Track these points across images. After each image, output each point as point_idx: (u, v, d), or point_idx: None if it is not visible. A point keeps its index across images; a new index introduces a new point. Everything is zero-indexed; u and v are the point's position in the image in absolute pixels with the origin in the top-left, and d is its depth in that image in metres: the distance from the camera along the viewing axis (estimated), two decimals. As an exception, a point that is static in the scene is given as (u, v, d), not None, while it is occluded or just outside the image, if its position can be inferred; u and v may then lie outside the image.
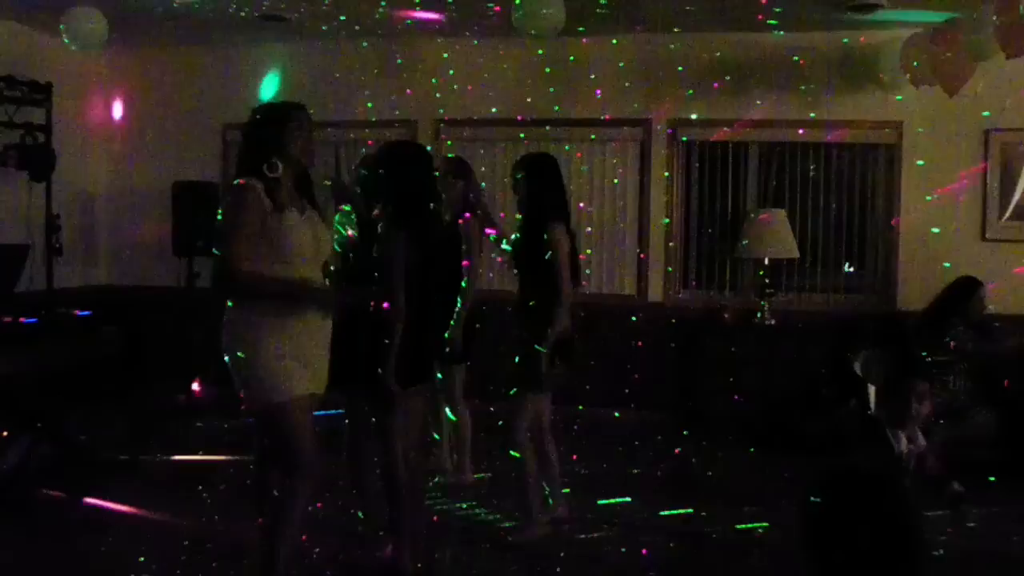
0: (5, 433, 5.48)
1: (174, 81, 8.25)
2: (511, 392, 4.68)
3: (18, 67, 6.88)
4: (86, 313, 5.83)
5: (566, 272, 4.62)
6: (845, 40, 7.12)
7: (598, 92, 7.55)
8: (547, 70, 7.58)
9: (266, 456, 3.89)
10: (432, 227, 4.19)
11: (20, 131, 6.81)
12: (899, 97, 7.02)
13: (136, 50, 8.17)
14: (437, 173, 4.67)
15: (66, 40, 6.32)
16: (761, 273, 7.15)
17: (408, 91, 7.83)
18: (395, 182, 4.04)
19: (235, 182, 3.55)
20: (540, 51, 7.38)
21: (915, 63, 6.33)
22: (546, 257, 4.59)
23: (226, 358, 3.56)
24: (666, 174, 7.55)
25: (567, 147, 7.72)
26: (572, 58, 7.51)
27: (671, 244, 7.57)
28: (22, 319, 5.51)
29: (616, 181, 7.68)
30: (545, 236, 4.59)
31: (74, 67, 7.74)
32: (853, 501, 1.96)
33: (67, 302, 6.39)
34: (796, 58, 7.22)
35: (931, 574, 1.77)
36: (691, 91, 7.42)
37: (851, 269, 7.38)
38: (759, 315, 7.07)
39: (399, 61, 7.82)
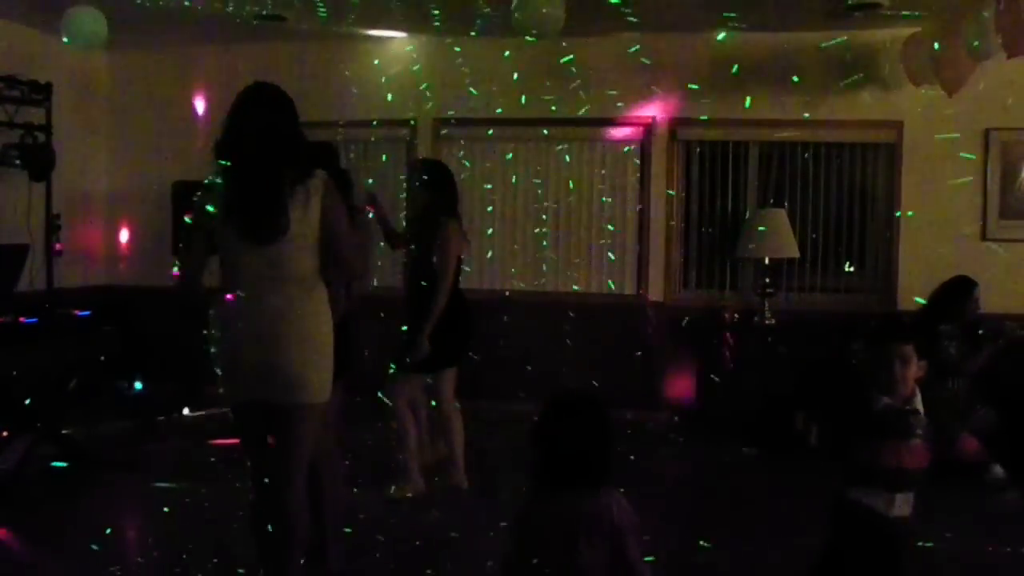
0: (5, 433, 5.49)
1: (173, 81, 8.25)
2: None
3: (18, 67, 6.87)
4: (86, 313, 5.83)
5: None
6: (845, 39, 7.12)
7: (598, 92, 7.56)
8: (547, 70, 7.58)
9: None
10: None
11: (20, 131, 6.81)
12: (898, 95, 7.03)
13: (136, 50, 8.17)
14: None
15: (66, 40, 6.31)
16: (763, 274, 7.15)
17: (408, 91, 7.83)
18: None
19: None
20: (540, 51, 7.37)
21: (915, 63, 6.33)
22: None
23: (290, 351, 3.35)
24: (666, 174, 7.55)
25: (567, 147, 7.74)
26: (572, 58, 7.51)
27: (671, 244, 7.58)
28: (22, 319, 5.51)
29: (614, 180, 7.70)
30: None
31: (74, 67, 7.74)
32: (560, 414, 2.68)
33: (67, 302, 6.39)
34: (796, 58, 7.23)
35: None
36: (691, 91, 7.42)
37: (851, 269, 7.38)
38: (759, 315, 7.07)
39: (398, 61, 7.82)
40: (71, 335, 5.61)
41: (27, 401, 5.62)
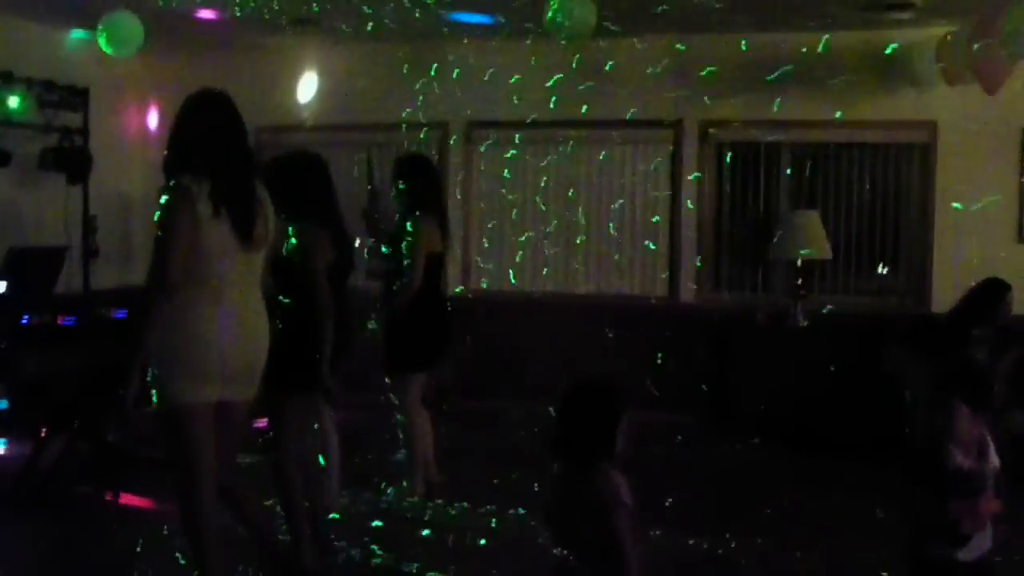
0: (44, 431, 5.57)
1: (208, 85, 8.30)
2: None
3: (56, 72, 6.98)
4: (122, 313, 5.90)
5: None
6: (878, 39, 7.06)
7: (629, 94, 7.55)
8: (579, 72, 7.59)
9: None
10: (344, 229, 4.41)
11: (58, 134, 6.92)
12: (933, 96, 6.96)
13: (171, 54, 8.24)
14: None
15: (103, 45, 6.41)
16: (795, 276, 7.10)
17: (439, 94, 7.86)
18: (293, 190, 4.11)
19: None
20: (571, 53, 7.37)
21: (951, 62, 6.28)
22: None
23: (264, 350, 3.62)
24: (698, 175, 7.54)
25: (599, 149, 7.74)
26: (603, 59, 7.51)
27: (702, 245, 7.56)
28: (60, 319, 5.59)
29: (646, 182, 7.70)
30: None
31: (111, 71, 7.84)
32: (570, 398, 2.91)
33: (103, 302, 6.47)
34: (829, 58, 7.18)
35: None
36: (723, 92, 7.40)
37: (884, 271, 7.33)
38: (791, 317, 7.02)
39: (430, 64, 7.86)
40: (108, 335, 5.67)
41: (65, 400, 5.71)
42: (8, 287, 5.52)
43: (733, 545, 4.67)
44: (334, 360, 4.22)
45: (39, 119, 6.84)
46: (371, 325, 5.29)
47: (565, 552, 2.82)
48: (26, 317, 5.47)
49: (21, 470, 5.40)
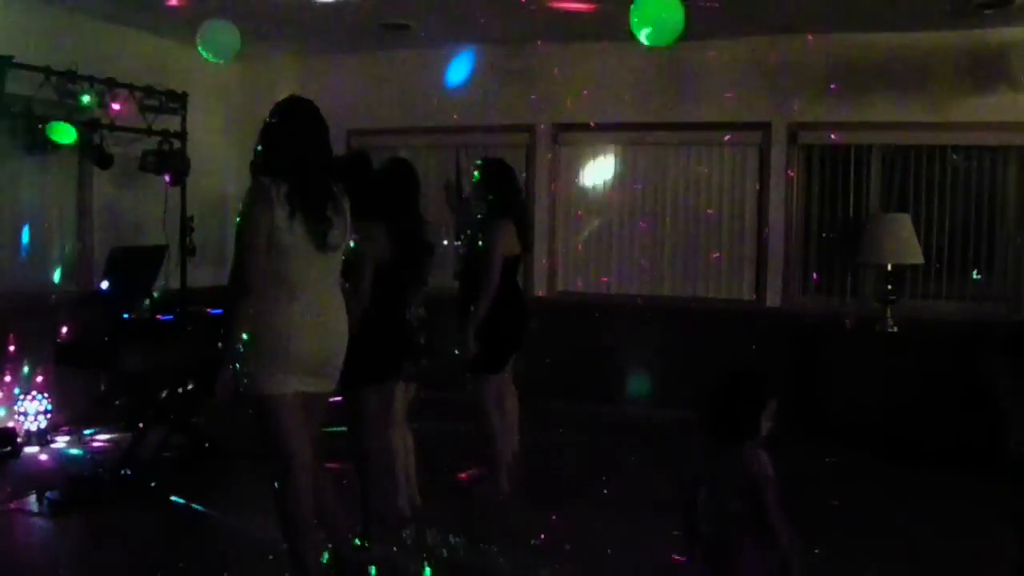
0: (141, 425, 5.76)
1: (301, 89, 8.46)
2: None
3: (157, 77, 7.21)
4: (218, 311, 6.07)
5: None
6: (973, 38, 6.90)
7: (717, 96, 7.51)
8: (666, 74, 7.57)
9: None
10: (409, 227, 4.52)
11: (158, 138, 7.15)
12: None
13: (266, 60, 8.45)
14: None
15: (201, 51, 6.60)
16: (886, 281, 6.97)
17: (527, 96, 7.92)
18: (361, 191, 4.17)
19: None
20: (659, 55, 7.36)
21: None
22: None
23: (342, 347, 3.74)
24: (786, 177, 7.46)
25: (686, 151, 7.71)
26: (691, 62, 7.48)
27: (790, 248, 7.47)
28: (159, 316, 5.77)
29: (733, 184, 7.65)
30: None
31: (208, 77, 8.07)
32: (722, 382, 3.17)
33: (200, 300, 6.66)
34: (921, 57, 7.04)
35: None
36: (811, 94, 7.31)
37: (979, 276, 7.14)
38: (881, 322, 6.90)
39: (518, 67, 7.92)
40: (204, 332, 5.83)
41: (162, 394, 5.90)
42: (110, 284, 5.72)
43: (817, 552, 4.62)
44: (393, 359, 4.35)
45: (140, 123, 7.08)
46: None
47: (711, 529, 3.04)
48: (127, 313, 5.67)
49: (119, 461, 5.59)
